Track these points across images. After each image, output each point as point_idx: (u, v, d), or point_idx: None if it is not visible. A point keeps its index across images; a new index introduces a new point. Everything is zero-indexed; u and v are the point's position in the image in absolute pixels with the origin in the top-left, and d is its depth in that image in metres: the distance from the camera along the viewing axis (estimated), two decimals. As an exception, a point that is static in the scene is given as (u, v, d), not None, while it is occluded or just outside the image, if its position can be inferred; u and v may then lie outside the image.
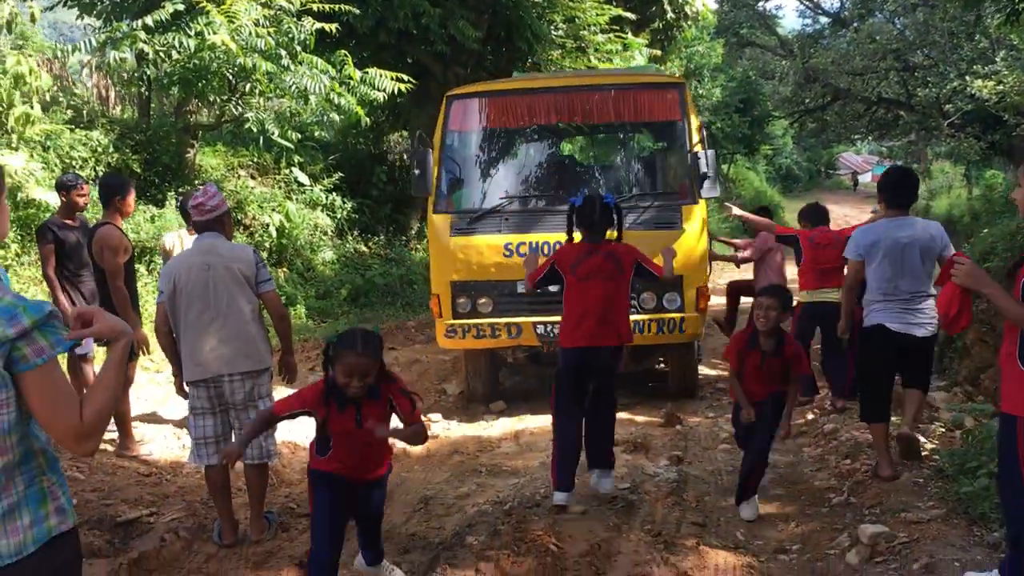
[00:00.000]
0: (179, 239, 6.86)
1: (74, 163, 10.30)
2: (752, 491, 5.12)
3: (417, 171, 7.68)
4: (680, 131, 7.81)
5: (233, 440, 4.77)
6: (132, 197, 6.08)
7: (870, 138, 39.30)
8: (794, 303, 6.07)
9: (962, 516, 4.48)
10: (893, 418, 5.71)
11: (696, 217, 7.47)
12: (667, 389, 8.35)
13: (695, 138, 7.60)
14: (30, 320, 2.10)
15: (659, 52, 21.77)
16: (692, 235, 7.39)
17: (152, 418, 7.10)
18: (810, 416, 7.45)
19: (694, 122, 7.76)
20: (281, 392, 4.63)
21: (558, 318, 5.75)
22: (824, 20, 33.41)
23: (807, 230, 7.63)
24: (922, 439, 6.28)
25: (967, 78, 22.79)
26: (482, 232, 7.55)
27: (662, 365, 8.66)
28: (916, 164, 38.14)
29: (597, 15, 17.28)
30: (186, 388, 4.77)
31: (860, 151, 61.71)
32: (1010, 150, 25.79)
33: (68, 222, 6.20)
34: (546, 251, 7.02)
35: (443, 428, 7.45)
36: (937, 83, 26.39)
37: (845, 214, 43.86)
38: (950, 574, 3.84)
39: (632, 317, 5.84)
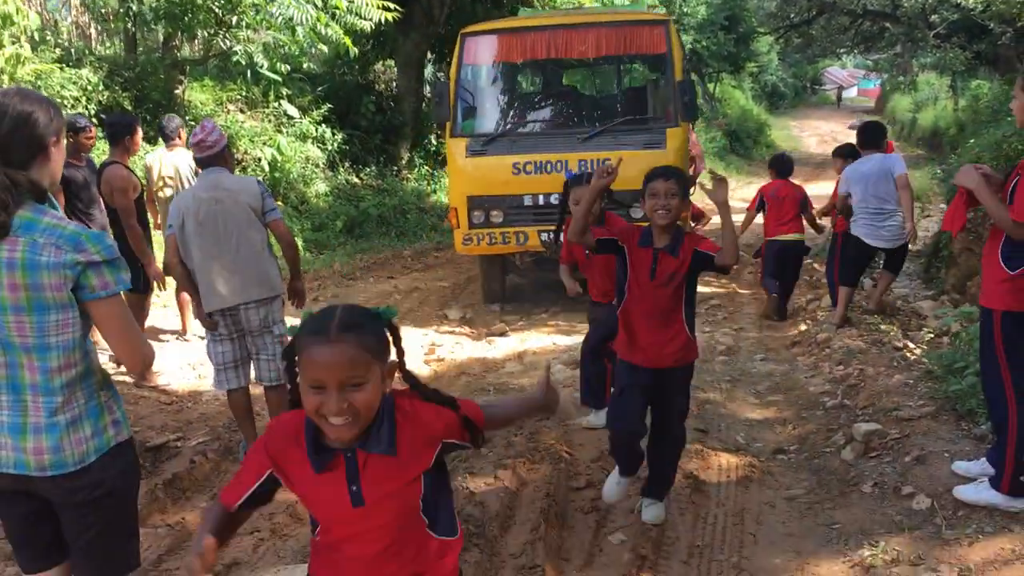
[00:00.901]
0: (158, 159, 7.04)
1: (65, 102, 10.27)
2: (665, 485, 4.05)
3: (437, 100, 8.66)
4: (665, 62, 8.60)
5: (251, 365, 4.95)
6: (139, 135, 6.17)
7: (856, 52, 39.03)
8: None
9: (951, 413, 4.74)
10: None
11: (678, 138, 8.25)
12: None
13: (678, 69, 8.38)
14: (96, 250, 2.28)
15: (643, -30, 21.53)
16: (675, 153, 8.11)
17: (167, 350, 7.28)
18: (803, 327, 7.70)
19: (677, 54, 8.50)
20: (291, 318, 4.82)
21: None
22: (809, -69, 32.89)
23: (768, 184, 8.64)
24: (911, 344, 6.56)
25: (953, -13, 22.60)
26: (493, 153, 8.40)
27: None
28: (902, 76, 37.96)
29: (581, -67, 17.10)
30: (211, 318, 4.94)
31: (846, 65, 61.23)
32: (995, 59, 25.76)
33: (73, 161, 6.29)
34: (548, 169, 8.13)
35: (448, 351, 7.66)
36: (923, -7, 26.13)
37: (832, 129, 43.91)
38: (939, 464, 4.11)
39: None
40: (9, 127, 2.28)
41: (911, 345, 6.57)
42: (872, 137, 7.39)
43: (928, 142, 32.65)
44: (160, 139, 7.67)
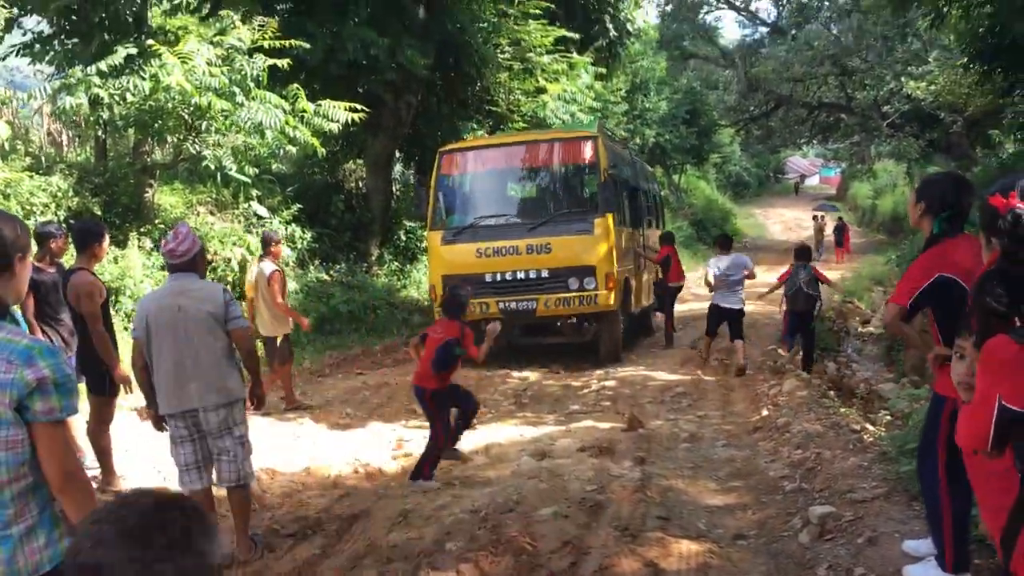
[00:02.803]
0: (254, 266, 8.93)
1: (35, 209, 10.42)
2: None
3: (416, 203, 11.36)
4: (594, 167, 11.22)
5: (214, 465, 4.97)
6: (107, 242, 6.28)
7: (815, 142, 40.26)
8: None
9: (903, 493, 4.84)
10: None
11: (603, 225, 10.84)
12: (598, 355, 11.47)
13: (603, 172, 11.04)
14: (46, 365, 2.31)
15: (604, 69, 22.26)
16: (602, 236, 10.76)
17: (131, 453, 7.25)
18: (765, 412, 7.82)
19: (603, 161, 11.14)
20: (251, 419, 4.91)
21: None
22: (763, 29, 34.23)
23: (665, 249, 13.26)
24: (870, 427, 6.70)
25: (903, 79, 23.54)
26: (462, 242, 11.06)
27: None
28: (860, 164, 39.08)
29: (542, 36, 17.77)
30: (163, 422, 4.97)
31: (807, 154, 62.97)
32: (948, 147, 26.67)
33: (43, 266, 6.39)
34: (503, 252, 10.88)
35: (416, 446, 7.67)
36: (874, 85, 27.18)
37: (796, 216, 44.86)
38: (891, 544, 4.19)
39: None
40: None
41: (870, 427, 6.71)
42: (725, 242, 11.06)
43: (888, 227, 33.46)
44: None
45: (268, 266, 8.69)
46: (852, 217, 38.06)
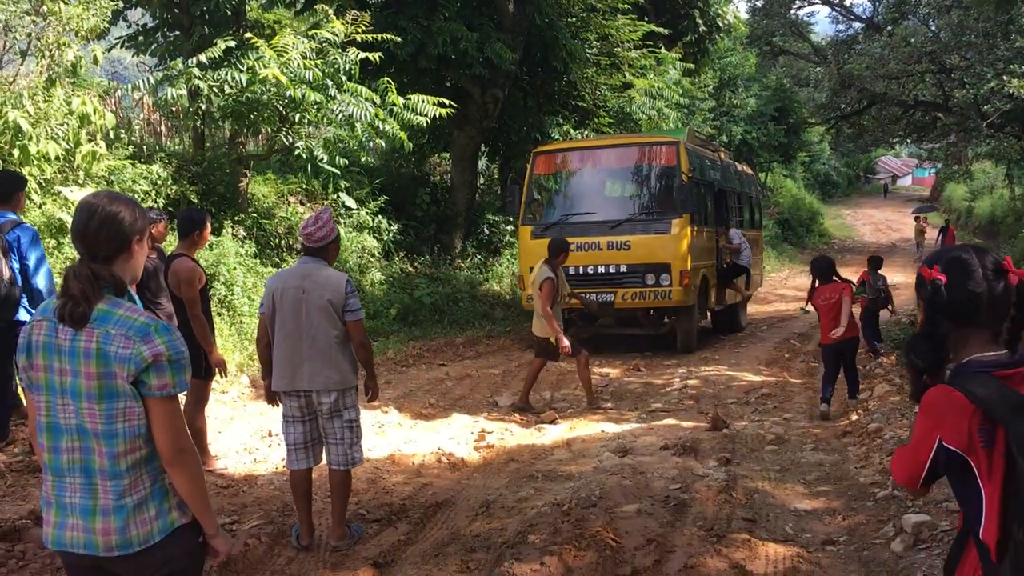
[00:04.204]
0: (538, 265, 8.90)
1: (136, 196, 10.79)
2: None
3: (509, 199, 13.10)
4: (675, 171, 11.88)
5: (323, 445, 5.09)
6: (208, 230, 6.47)
7: (909, 141, 39.07)
8: None
9: (1002, 504, 4.68)
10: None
11: (680, 225, 11.56)
12: (675, 346, 12.24)
13: (684, 175, 11.74)
14: (162, 341, 2.43)
15: (692, 65, 22.02)
16: (678, 236, 11.50)
17: (224, 434, 7.48)
18: (855, 417, 7.64)
19: (684, 165, 11.83)
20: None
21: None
22: (857, 25, 33.33)
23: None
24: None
25: (1004, 78, 22.62)
26: (549, 236, 10.92)
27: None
28: (956, 165, 37.79)
29: (630, 32, 17.69)
30: (277, 397, 5.14)
31: (899, 154, 61.19)
32: (1052, 148, 25.62)
33: (145, 251, 6.61)
34: (587, 248, 11.58)
35: (498, 438, 7.73)
36: (974, 84, 26.14)
37: (886, 218, 43.70)
38: (990, 557, 4.05)
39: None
40: (96, 225, 2.48)
41: (965, 436, 6.50)
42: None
43: (986, 230, 32.33)
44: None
45: (545, 271, 8.66)
46: (948, 220, 36.88)
